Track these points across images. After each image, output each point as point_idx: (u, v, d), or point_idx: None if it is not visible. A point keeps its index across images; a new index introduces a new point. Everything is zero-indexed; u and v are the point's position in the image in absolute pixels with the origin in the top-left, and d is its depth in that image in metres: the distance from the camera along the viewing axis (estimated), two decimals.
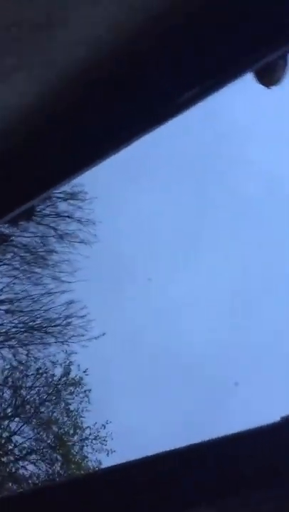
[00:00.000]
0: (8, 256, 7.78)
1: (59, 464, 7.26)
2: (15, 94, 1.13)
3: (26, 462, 7.25)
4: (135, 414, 7.69)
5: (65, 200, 7.98)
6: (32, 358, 7.55)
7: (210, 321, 7.69)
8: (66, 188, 7.81)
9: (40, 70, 1.09)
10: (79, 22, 1.05)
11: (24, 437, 7.35)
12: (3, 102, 1.13)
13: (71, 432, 7.49)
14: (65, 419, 7.54)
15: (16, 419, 7.39)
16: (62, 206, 8.02)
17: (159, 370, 7.74)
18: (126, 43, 1.16)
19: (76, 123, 1.30)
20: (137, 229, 8.47)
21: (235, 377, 7.07)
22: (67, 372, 7.68)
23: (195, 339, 7.66)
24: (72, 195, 7.99)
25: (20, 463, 7.26)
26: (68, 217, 7.88)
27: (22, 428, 7.40)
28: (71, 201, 8.02)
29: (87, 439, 7.42)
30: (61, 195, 7.95)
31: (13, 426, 7.41)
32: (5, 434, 7.37)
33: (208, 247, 7.83)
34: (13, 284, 7.66)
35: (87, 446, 7.41)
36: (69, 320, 7.72)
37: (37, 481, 7.02)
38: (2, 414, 7.35)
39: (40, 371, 7.59)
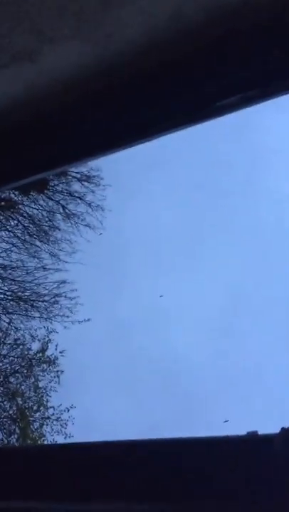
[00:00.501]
0: (12, 223, 7.79)
1: (16, 436, 7.28)
2: (60, 62, 1.13)
3: None
4: (101, 406, 7.70)
5: (80, 181, 7.99)
6: (13, 328, 7.57)
7: (197, 334, 7.71)
8: (83, 169, 7.83)
9: (93, 45, 1.09)
10: (139, 5, 1.06)
11: None
12: (48, 65, 1.13)
13: (35, 408, 7.52)
14: (32, 394, 7.56)
15: None
16: (76, 186, 8.04)
17: (137, 370, 7.77)
18: (180, 37, 1.17)
19: (110, 105, 1.30)
20: (144, 225, 8.47)
21: (212, 395, 7.08)
22: (44, 349, 7.70)
23: (179, 348, 7.68)
24: (88, 178, 7.99)
25: None
26: (79, 198, 7.89)
27: None
28: (85, 183, 8.03)
29: (48, 418, 7.44)
30: (77, 176, 7.96)
31: None
32: None
33: (208, 258, 7.84)
34: (11, 251, 7.68)
35: (47, 425, 7.43)
36: (57, 299, 7.74)
37: None
38: None
39: (18, 342, 7.61)
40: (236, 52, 1.20)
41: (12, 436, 7.26)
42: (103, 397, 7.76)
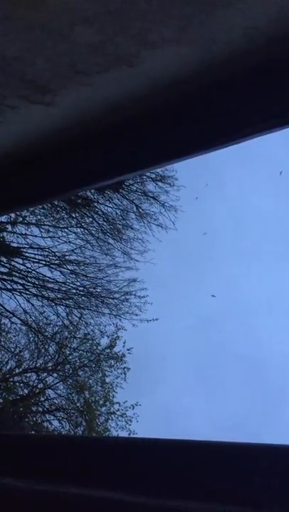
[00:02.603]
0: (87, 220, 8.00)
1: (82, 428, 7.47)
2: (159, 65, 1.14)
3: (52, 417, 7.54)
4: (166, 405, 7.72)
5: (155, 181, 8.06)
6: (83, 322, 7.78)
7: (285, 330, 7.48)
8: (158, 169, 7.88)
9: (193, 48, 1.09)
10: (240, 7, 1.04)
11: (57, 394, 7.64)
12: (146, 69, 1.15)
13: (101, 402, 7.68)
14: (99, 388, 7.73)
15: (54, 374, 7.68)
16: (150, 186, 8.12)
17: (208, 368, 7.69)
18: (281, 39, 1.14)
19: (203, 107, 1.28)
20: (218, 224, 8.39)
21: None
22: (112, 345, 7.85)
23: (264, 341, 7.47)
24: (162, 178, 8.04)
25: (47, 416, 7.55)
26: (153, 198, 7.96)
27: (57, 384, 7.68)
28: (160, 183, 8.09)
29: (114, 413, 7.57)
30: (152, 176, 8.03)
31: (49, 380, 7.71)
32: (40, 385, 7.69)
33: None
34: (85, 248, 7.89)
35: (112, 420, 7.57)
36: (127, 297, 7.86)
37: None
38: (43, 366, 7.66)
39: (88, 337, 7.81)
40: None
41: (78, 428, 7.46)
42: (169, 395, 7.77)
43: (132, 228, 8.04)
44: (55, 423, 7.44)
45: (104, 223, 8.02)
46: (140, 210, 8.07)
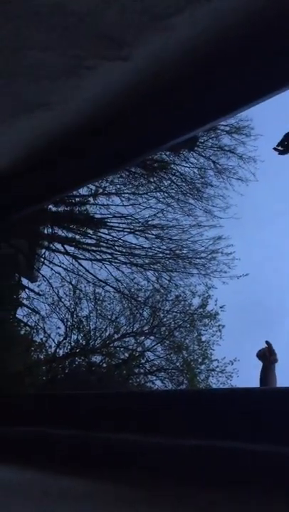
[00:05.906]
0: (166, 183, 7.96)
1: (184, 386, 7.67)
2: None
3: (155, 378, 7.80)
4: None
5: (230, 133, 7.78)
6: (173, 285, 7.87)
7: None
8: (232, 121, 7.59)
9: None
10: None
11: (156, 355, 7.87)
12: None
13: (199, 360, 7.80)
14: (196, 347, 7.85)
15: (151, 337, 7.90)
16: (226, 140, 7.86)
17: None
18: None
19: (272, 46, 1.18)
20: None
21: None
22: (204, 305, 7.88)
23: None
24: (238, 130, 7.75)
25: (150, 377, 7.83)
26: (230, 151, 7.71)
27: (155, 347, 7.90)
28: (235, 136, 7.80)
29: (213, 370, 7.68)
30: (226, 129, 7.76)
31: (147, 343, 7.96)
32: (139, 349, 7.96)
33: None
34: (166, 211, 7.89)
35: (212, 377, 7.69)
36: (214, 255, 7.80)
37: None
38: (140, 330, 7.90)
39: (180, 298, 7.90)
40: None
41: (180, 387, 7.67)
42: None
43: (212, 185, 7.89)
44: (158, 383, 7.70)
45: (183, 184, 7.94)
46: (218, 166, 7.87)
